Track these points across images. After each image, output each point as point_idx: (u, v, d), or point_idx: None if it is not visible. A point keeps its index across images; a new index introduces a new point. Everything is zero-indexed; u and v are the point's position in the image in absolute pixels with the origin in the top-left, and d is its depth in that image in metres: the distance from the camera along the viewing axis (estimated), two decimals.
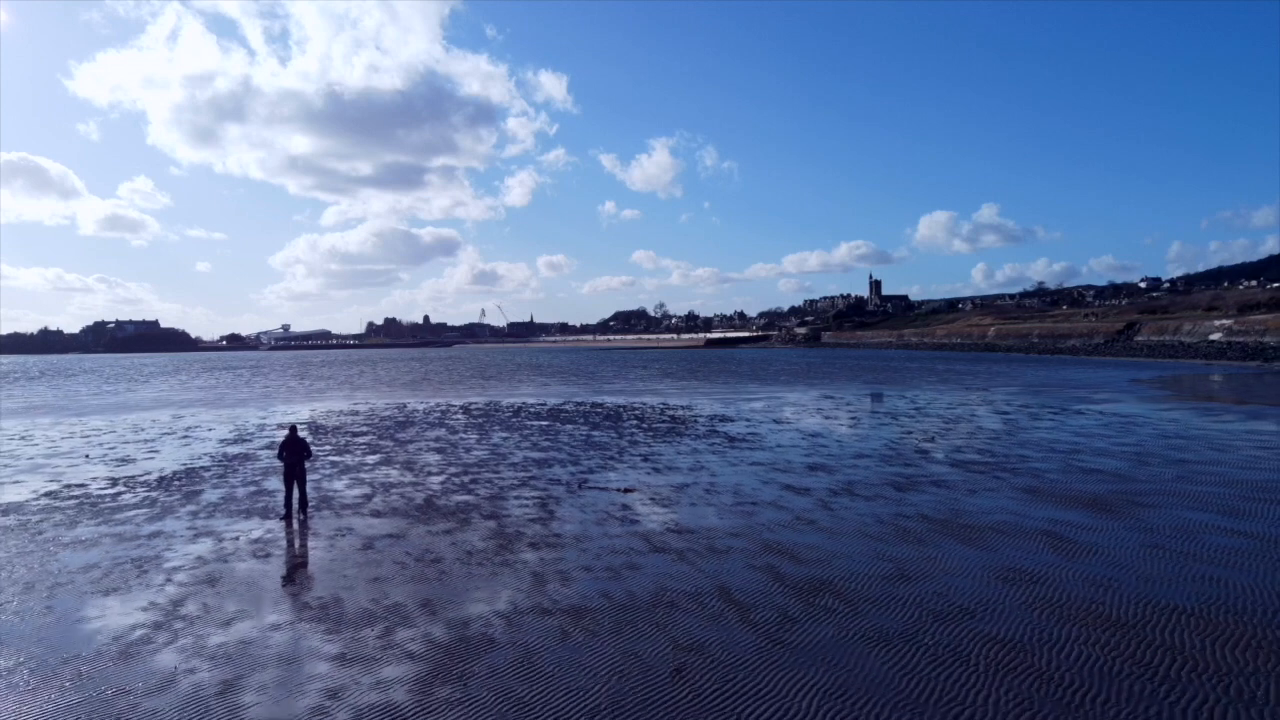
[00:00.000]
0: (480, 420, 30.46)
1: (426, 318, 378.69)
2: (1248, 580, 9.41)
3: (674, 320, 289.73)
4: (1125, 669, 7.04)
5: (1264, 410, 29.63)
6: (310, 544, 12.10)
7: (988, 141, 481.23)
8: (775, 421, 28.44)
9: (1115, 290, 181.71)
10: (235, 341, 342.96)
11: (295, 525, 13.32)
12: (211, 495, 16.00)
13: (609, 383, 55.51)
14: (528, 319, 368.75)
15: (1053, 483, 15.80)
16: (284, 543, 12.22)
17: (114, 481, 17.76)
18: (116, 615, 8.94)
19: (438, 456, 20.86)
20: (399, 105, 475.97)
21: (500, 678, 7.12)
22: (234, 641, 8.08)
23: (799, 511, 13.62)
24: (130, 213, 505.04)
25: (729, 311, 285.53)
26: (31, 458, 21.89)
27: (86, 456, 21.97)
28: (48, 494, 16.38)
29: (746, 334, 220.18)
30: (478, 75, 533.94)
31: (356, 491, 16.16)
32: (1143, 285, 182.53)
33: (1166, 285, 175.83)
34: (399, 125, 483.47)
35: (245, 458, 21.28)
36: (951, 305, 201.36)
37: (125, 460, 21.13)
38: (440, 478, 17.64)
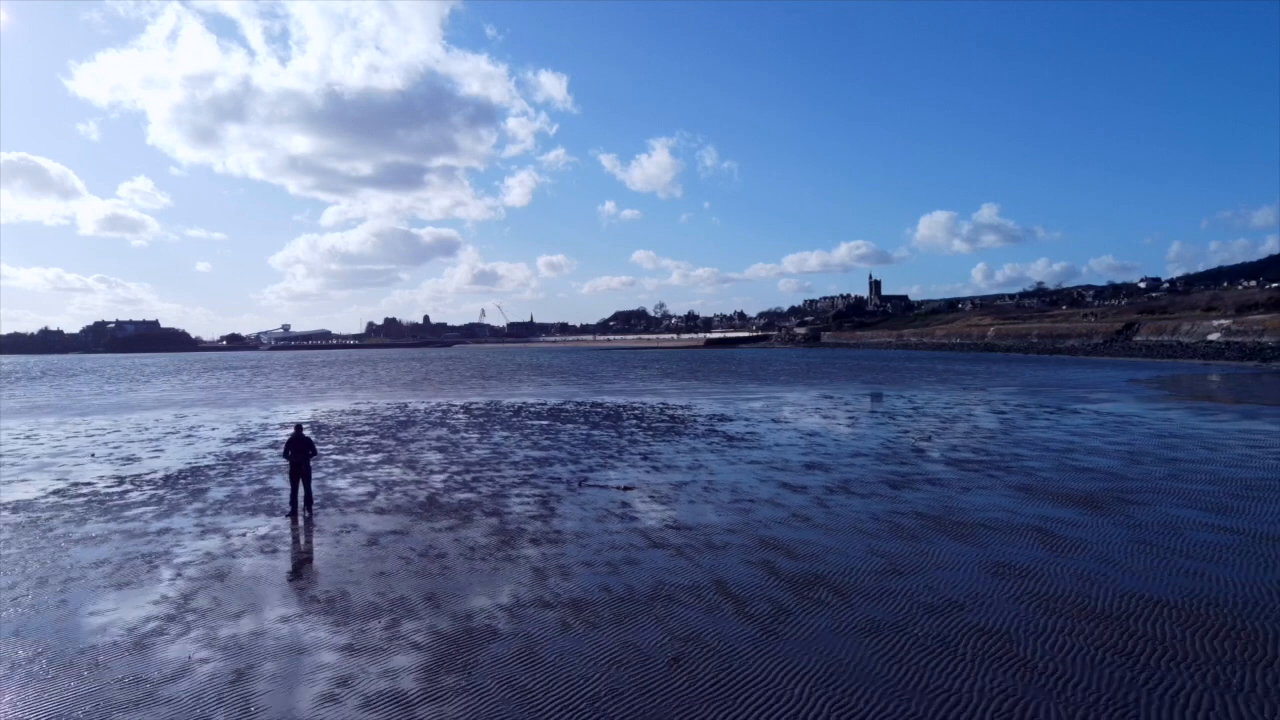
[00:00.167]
0: (481, 420, 30.71)
1: (426, 318, 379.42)
2: (1230, 574, 9.66)
3: (674, 320, 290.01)
4: (1107, 658, 7.29)
5: (1258, 410, 29.89)
6: (316, 540, 12.35)
7: (988, 141, 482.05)
8: (773, 421, 28.69)
9: (1115, 290, 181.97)
10: (235, 341, 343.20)
11: (301, 522, 13.58)
12: (217, 493, 16.25)
13: (609, 383, 55.76)
14: (528, 319, 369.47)
15: (1045, 481, 16.05)
16: (290, 539, 12.48)
17: (121, 480, 18.01)
18: (130, 608, 9.19)
19: (440, 455, 21.12)
20: (399, 105, 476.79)
21: (504, 667, 7.37)
22: (245, 633, 8.34)
23: (795, 509, 13.88)
24: (130, 213, 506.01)
25: (729, 311, 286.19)
26: (38, 456, 22.14)
27: (92, 455, 22.23)
28: (56, 492, 16.63)
29: (746, 334, 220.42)
30: (478, 75, 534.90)
31: (360, 489, 16.41)
32: (1142, 285, 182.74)
33: (1166, 285, 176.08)
34: (399, 125, 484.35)
35: (249, 456, 21.53)
36: (951, 305, 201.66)
37: (131, 459, 21.38)
38: (442, 476, 17.89)
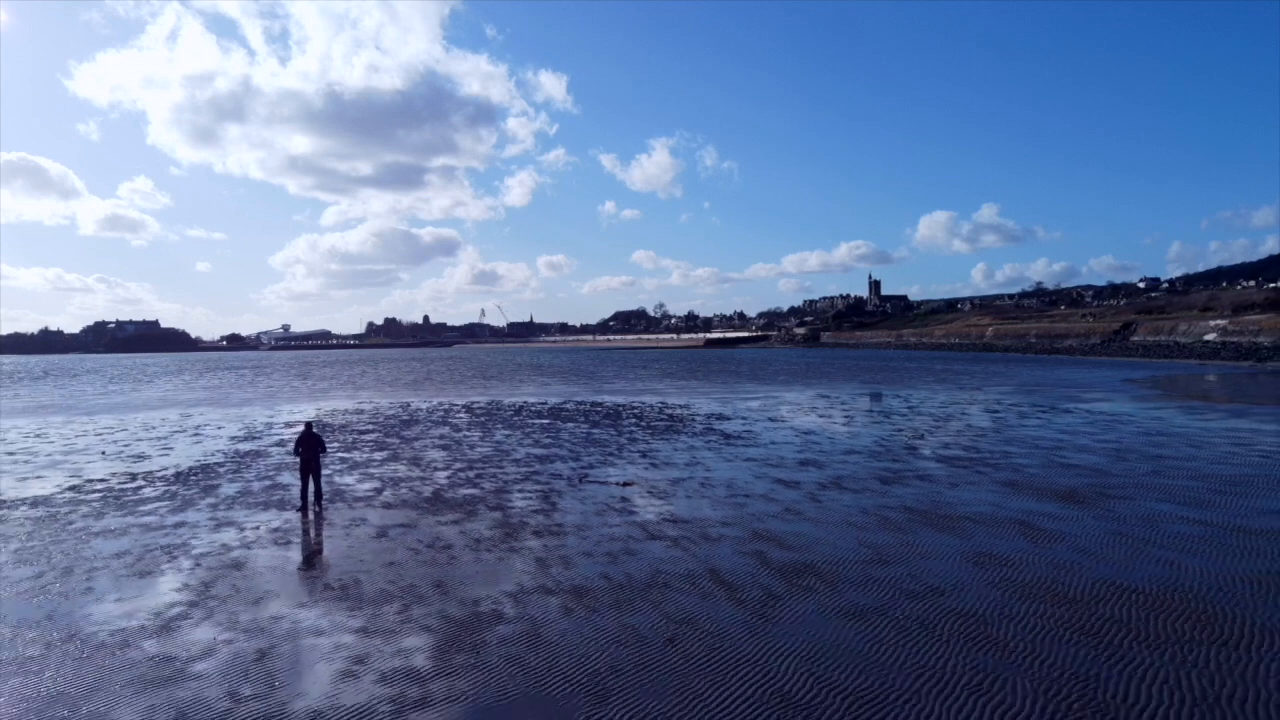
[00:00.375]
0: (483, 419, 31.20)
1: (426, 318, 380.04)
2: (1199, 563, 10.16)
3: (674, 320, 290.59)
4: (1074, 638, 7.79)
5: (1247, 409, 30.39)
6: (327, 533, 12.85)
7: (988, 141, 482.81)
8: (770, 420, 29.18)
9: (1114, 290, 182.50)
10: (235, 341, 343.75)
11: (311, 516, 14.07)
12: (228, 489, 16.74)
13: (609, 382, 56.26)
14: (528, 319, 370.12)
15: (1032, 477, 16.55)
16: (302, 532, 12.97)
17: (133, 476, 18.51)
18: (154, 595, 9.69)
19: (443, 453, 21.61)
20: (399, 105, 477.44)
21: (509, 646, 7.87)
22: (265, 617, 8.83)
23: (788, 503, 14.38)
24: (130, 213, 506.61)
25: (729, 311, 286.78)
26: (50, 455, 22.63)
27: (103, 453, 22.72)
28: (71, 488, 17.12)
29: (746, 334, 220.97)
30: (478, 75, 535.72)
31: (367, 485, 16.91)
32: (1141, 285, 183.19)
33: (1165, 285, 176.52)
34: (399, 125, 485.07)
35: (257, 454, 22.03)
36: (950, 305, 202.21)
37: (141, 457, 21.88)
38: (446, 473, 18.39)
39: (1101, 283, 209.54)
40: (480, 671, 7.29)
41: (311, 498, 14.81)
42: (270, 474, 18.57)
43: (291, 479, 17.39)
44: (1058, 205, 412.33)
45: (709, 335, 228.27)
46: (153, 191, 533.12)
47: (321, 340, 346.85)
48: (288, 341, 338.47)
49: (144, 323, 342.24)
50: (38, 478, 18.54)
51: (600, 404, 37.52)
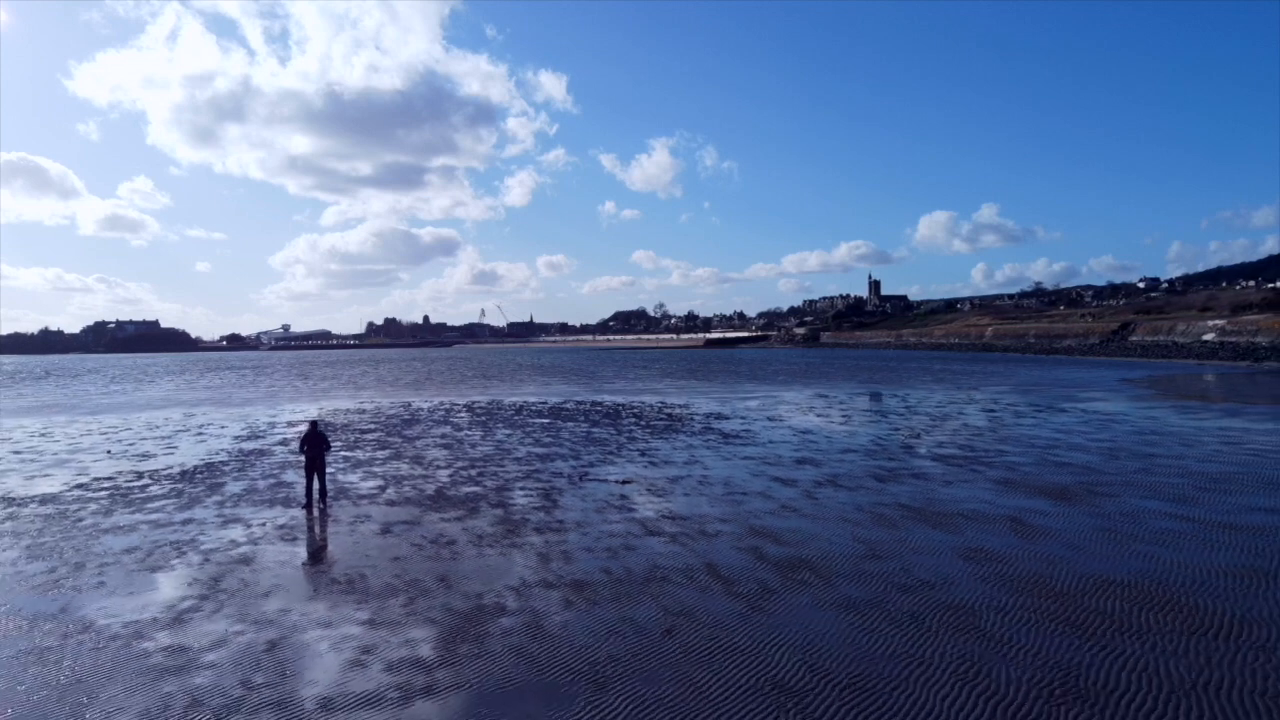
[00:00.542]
0: (484, 418, 31.46)
1: (426, 318, 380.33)
2: (1179, 557, 10.43)
3: (674, 320, 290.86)
4: (1057, 628, 8.06)
5: (1240, 408, 30.66)
6: (332, 529, 13.11)
7: (988, 141, 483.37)
8: (769, 419, 29.45)
9: (1114, 290, 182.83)
10: (235, 341, 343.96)
11: (316, 513, 14.33)
12: (234, 487, 16.99)
13: (609, 382, 56.53)
14: (528, 319, 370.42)
15: (1024, 475, 16.81)
16: (308, 528, 13.23)
17: (140, 475, 18.76)
18: (165, 589, 9.95)
19: (445, 452, 21.87)
20: (399, 105, 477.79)
21: (512, 637, 8.13)
22: (274, 609, 9.10)
23: (784, 500, 14.64)
24: (130, 213, 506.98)
25: (729, 311, 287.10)
26: (56, 453, 22.89)
27: (108, 452, 22.97)
28: (79, 486, 17.38)
29: (746, 334, 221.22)
30: (478, 75, 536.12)
31: (371, 483, 17.16)
32: (1141, 285, 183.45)
33: (1165, 285, 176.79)
34: (399, 125, 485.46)
35: (261, 453, 22.28)
36: (950, 305, 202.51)
37: (146, 456, 22.13)
38: (448, 471, 18.65)
39: (1101, 283, 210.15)
40: (484, 660, 7.55)
41: (316, 495, 15.07)
42: (275, 472, 18.83)
43: (295, 477, 17.65)
44: (1058, 205, 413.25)
45: (709, 335, 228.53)
46: (153, 191, 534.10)
47: (321, 340, 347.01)
48: (288, 341, 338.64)
49: (144, 323, 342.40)
50: (45, 476, 18.80)
51: (600, 403, 37.78)
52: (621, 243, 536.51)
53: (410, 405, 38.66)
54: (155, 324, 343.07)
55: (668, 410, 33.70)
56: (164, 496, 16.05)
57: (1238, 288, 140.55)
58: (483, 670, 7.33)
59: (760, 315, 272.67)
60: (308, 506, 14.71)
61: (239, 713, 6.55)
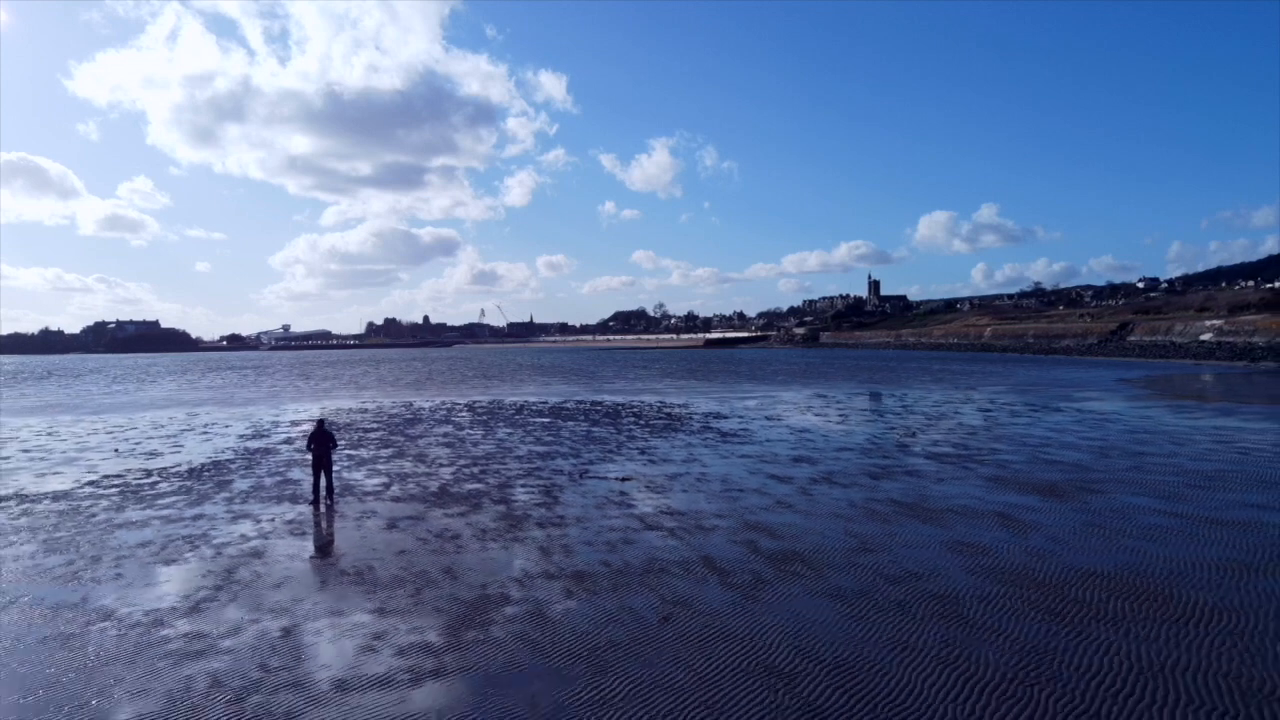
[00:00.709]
0: (485, 417, 31.82)
1: (426, 318, 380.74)
2: (1162, 551, 10.79)
3: (673, 320, 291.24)
4: (1038, 616, 8.41)
5: (1234, 408, 31.02)
6: (339, 524, 13.47)
7: (988, 141, 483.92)
8: (767, 418, 29.80)
9: (1113, 290, 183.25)
10: (236, 342, 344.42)
11: (323, 509, 14.68)
12: (241, 484, 17.35)
13: (609, 382, 56.89)
14: (527, 319, 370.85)
15: (1016, 472, 17.17)
16: (315, 524, 13.60)
17: (148, 473, 19.12)
18: (181, 580, 10.31)
19: (447, 450, 22.23)
20: (399, 105, 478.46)
21: (515, 624, 8.49)
22: (287, 599, 9.46)
23: (780, 497, 15.00)
24: (130, 213, 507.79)
25: (728, 312, 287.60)
26: (64, 452, 23.25)
27: (116, 450, 23.33)
28: (90, 483, 17.74)
29: (745, 334, 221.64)
30: (478, 75, 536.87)
31: (375, 481, 17.52)
32: (1140, 285, 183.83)
33: (1164, 286, 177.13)
34: (399, 125, 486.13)
35: (266, 451, 22.64)
36: (949, 306, 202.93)
37: (153, 454, 22.49)
38: (451, 469, 19.01)
39: (1101, 283, 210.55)
40: (489, 646, 7.91)
41: (323, 491, 15.42)
42: (280, 470, 19.19)
43: (301, 474, 18.02)
44: (1058, 205, 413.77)
45: (709, 335, 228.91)
46: (152, 191, 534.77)
47: (321, 340, 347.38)
48: (288, 341, 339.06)
49: (144, 323, 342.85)
50: (56, 474, 19.16)
51: (600, 403, 38.14)
52: (621, 243, 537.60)
53: (412, 405, 39.02)
54: (155, 324, 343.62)
55: (667, 410, 34.06)
56: (174, 493, 16.40)
57: (1237, 288, 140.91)
58: (488, 655, 7.69)
59: (760, 315, 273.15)
60: (314, 503, 15.07)
61: (258, 693, 6.91)
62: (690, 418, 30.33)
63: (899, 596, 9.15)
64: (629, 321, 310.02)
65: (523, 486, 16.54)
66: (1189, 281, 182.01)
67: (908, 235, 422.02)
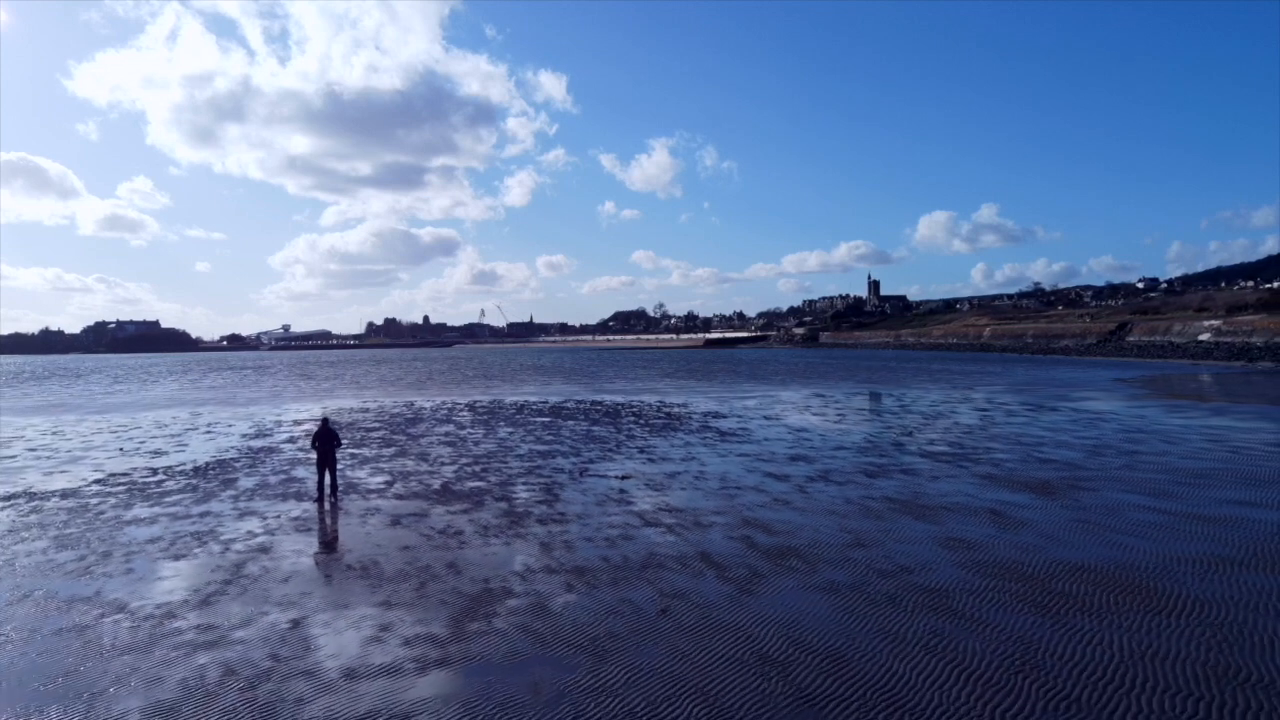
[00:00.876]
0: (486, 417, 32.08)
1: (426, 318, 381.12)
2: (1148, 546, 11.06)
3: (673, 320, 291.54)
4: (1025, 609, 8.68)
5: (1227, 407, 31.29)
6: (344, 521, 13.73)
7: (988, 141, 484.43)
8: (765, 418, 30.06)
9: (1113, 290, 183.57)
10: (236, 342, 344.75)
11: (328, 506, 14.95)
12: (247, 482, 17.61)
13: (609, 382, 57.15)
14: (527, 319, 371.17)
15: (1009, 470, 17.43)
16: (320, 520, 13.85)
17: (154, 471, 19.38)
18: (191, 575, 10.57)
19: (449, 449, 22.49)
20: (398, 105, 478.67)
21: (517, 616, 8.75)
22: (295, 592, 9.72)
23: (776, 494, 15.26)
24: (130, 213, 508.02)
25: (728, 312, 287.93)
26: (70, 451, 23.51)
27: (121, 449, 23.59)
28: (97, 481, 18.00)
29: (745, 334, 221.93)
30: (477, 75, 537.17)
31: (378, 479, 17.79)
32: (1140, 286, 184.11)
33: (1164, 286, 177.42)
34: (398, 125, 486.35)
35: (269, 450, 22.90)
36: (949, 306, 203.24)
37: (158, 453, 22.75)
38: (453, 467, 19.27)
39: (1101, 283, 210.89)
40: (492, 636, 8.17)
41: (327, 489, 15.68)
42: (285, 468, 19.45)
43: (305, 473, 18.28)
44: (1058, 205, 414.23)
45: (708, 335, 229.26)
46: (152, 191, 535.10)
47: (321, 340, 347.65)
48: (288, 341, 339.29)
49: (144, 323, 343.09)
50: (63, 472, 19.42)
51: (600, 403, 38.41)
52: (621, 243, 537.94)
53: (413, 404, 39.28)
54: (155, 324, 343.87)
55: (666, 409, 34.32)
56: (180, 491, 16.67)
57: (1236, 288, 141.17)
58: (492, 644, 7.95)
59: (760, 315, 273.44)
60: (319, 500, 15.33)
61: (270, 680, 7.17)
62: (689, 417, 30.60)
63: (890, 589, 9.41)
64: (629, 321, 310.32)
65: (524, 484, 16.80)
66: (1188, 282, 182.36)
67: (907, 235, 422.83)
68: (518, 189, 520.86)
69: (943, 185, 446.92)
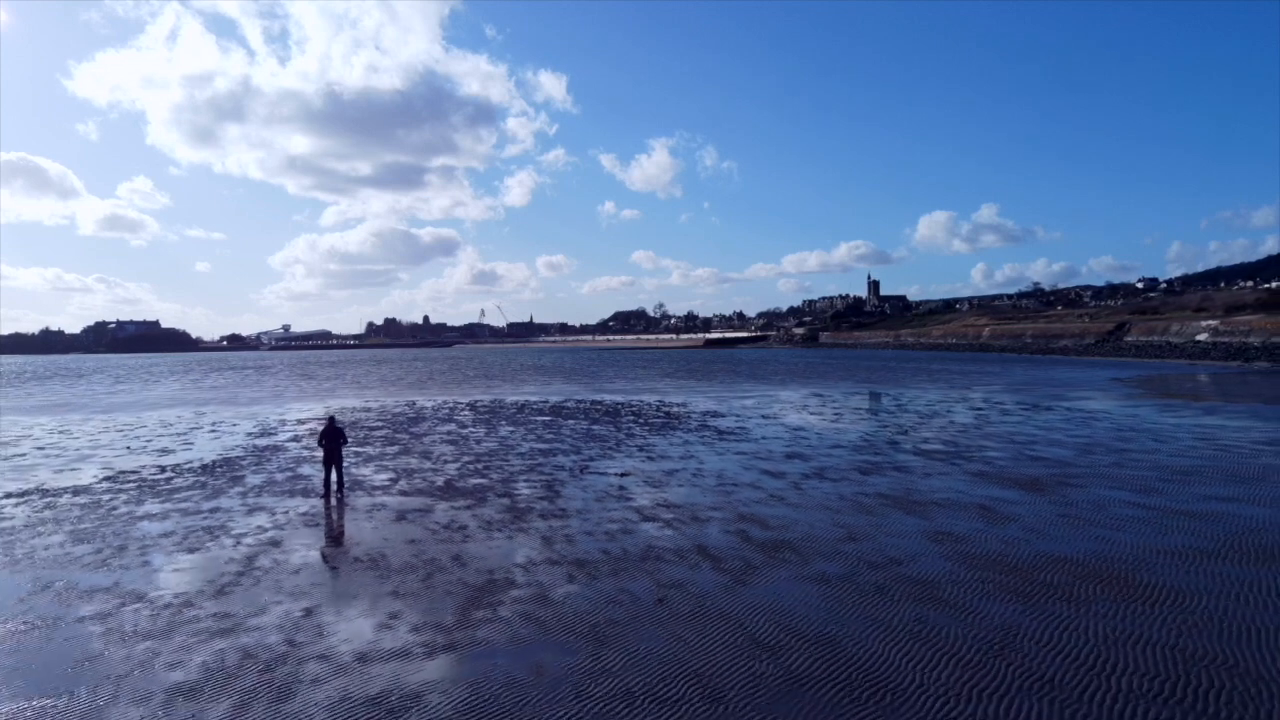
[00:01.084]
0: (487, 416, 32.47)
1: (426, 318, 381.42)
2: (1130, 539, 11.44)
3: (673, 320, 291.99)
4: (1008, 598, 9.06)
5: (1220, 406, 31.67)
6: (351, 516, 14.11)
7: (988, 141, 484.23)
8: (763, 417, 30.45)
9: (1112, 291, 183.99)
10: (236, 342, 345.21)
11: (334, 502, 15.33)
12: (254, 479, 17.99)
13: (609, 382, 57.53)
14: (527, 319, 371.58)
15: (1001, 468, 17.81)
16: (328, 515, 14.24)
17: (163, 469, 19.76)
18: (204, 567, 10.95)
19: (451, 447, 22.87)
20: (398, 105, 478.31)
21: (521, 605, 9.13)
22: (306, 583, 10.10)
23: (772, 490, 15.65)
24: (129, 213, 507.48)
25: (728, 312, 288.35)
26: (78, 449, 23.89)
27: (128, 448, 23.97)
28: (107, 478, 18.38)
29: (745, 334, 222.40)
30: (477, 75, 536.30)
31: (383, 476, 18.16)
32: (1139, 286, 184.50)
33: (1163, 286, 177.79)
34: (398, 125, 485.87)
35: (275, 449, 23.28)
36: (948, 306, 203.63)
37: (165, 451, 23.13)
38: (455, 465, 19.65)
39: (1100, 283, 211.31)
40: (497, 624, 8.55)
41: (334, 486, 16.07)
42: (290, 466, 19.83)
43: (311, 470, 18.65)
44: (1058, 205, 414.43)
45: (708, 335, 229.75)
46: (152, 191, 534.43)
47: (322, 340, 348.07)
48: (288, 341, 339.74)
49: (144, 323, 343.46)
50: (73, 470, 19.80)
51: (600, 402, 38.79)
52: (621, 243, 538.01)
53: (415, 404, 39.66)
54: (155, 324, 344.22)
55: (666, 409, 34.70)
56: (189, 488, 17.04)
57: (1235, 288, 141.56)
58: (497, 631, 8.33)
59: (760, 315, 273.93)
60: (325, 496, 15.71)
61: (287, 664, 7.55)
62: (688, 416, 30.98)
63: (879, 580, 9.79)
64: (629, 321, 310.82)
65: (525, 481, 17.18)
66: (1188, 282, 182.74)
67: (907, 235, 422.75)
68: (518, 189, 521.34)
69: (942, 185, 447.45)
